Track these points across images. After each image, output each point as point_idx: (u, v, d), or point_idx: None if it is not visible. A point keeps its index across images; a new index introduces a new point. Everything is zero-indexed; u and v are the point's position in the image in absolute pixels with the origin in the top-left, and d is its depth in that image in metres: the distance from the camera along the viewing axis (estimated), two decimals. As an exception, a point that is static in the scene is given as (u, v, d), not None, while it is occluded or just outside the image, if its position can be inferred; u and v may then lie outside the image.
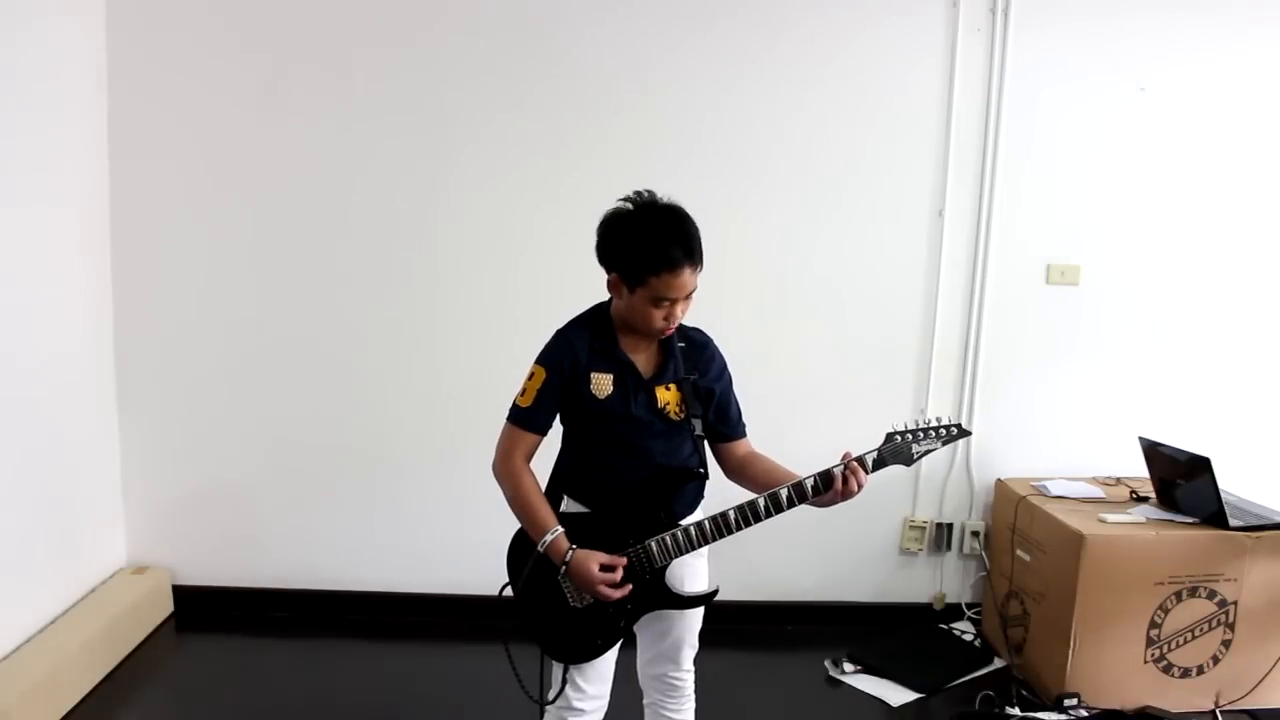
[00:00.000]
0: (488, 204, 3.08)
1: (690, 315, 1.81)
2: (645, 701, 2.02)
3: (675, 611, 1.88)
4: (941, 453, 3.20)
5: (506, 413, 1.82)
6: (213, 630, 3.14)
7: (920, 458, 1.81)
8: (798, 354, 3.18)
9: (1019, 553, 3.02)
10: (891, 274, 3.18)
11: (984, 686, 2.83)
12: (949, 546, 3.35)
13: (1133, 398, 3.25)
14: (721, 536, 1.77)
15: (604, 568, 1.74)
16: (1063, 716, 2.68)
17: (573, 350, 1.78)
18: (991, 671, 3.01)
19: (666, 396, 1.82)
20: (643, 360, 1.82)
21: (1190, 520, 2.78)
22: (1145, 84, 3.12)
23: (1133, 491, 3.04)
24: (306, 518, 3.22)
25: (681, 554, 1.79)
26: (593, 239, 1.78)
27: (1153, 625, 2.72)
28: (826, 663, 3.02)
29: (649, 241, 1.69)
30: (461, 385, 3.12)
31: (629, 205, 1.74)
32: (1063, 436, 3.28)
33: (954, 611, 3.36)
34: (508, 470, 1.80)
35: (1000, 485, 3.22)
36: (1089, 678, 2.71)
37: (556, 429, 1.88)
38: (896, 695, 2.84)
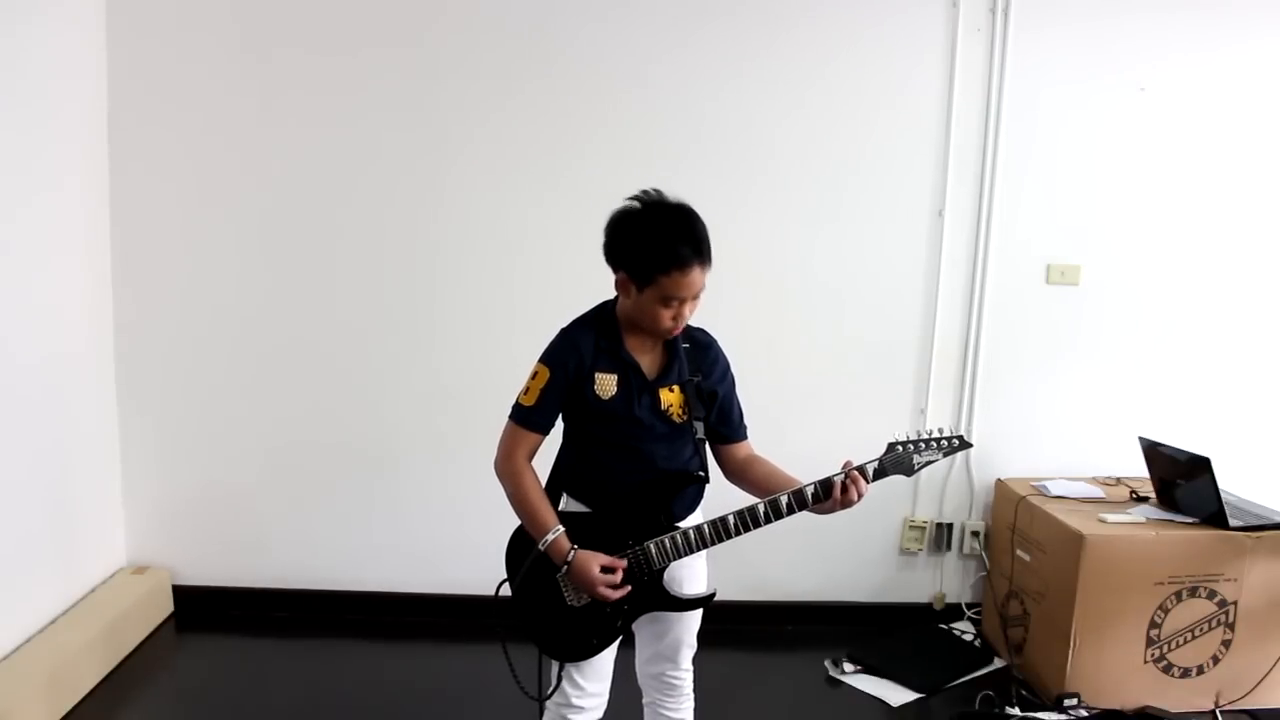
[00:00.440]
0: (486, 203, 3.08)
1: (694, 314, 1.81)
2: (644, 700, 2.03)
3: (673, 612, 1.88)
4: (941, 452, 3.27)
5: (509, 411, 1.82)
6: (213, 630, 3.14)
7: (921, 468, 1.80)
8: (797, 354, 3.18)
9: (1019, 553, 3.02)
10: (891, 274, 3.18)
11: (984, 686, 2.83)
12: (949, 546, 3.35)
13: (1133, 398, 3.25)
14: (720, 541, 1.77)
15: (604, 569, 1.74)
16: (1063, 716, 2.68)
17: (577, 350, 1.78)
18: (991, 671, 3.01)
19: (670, 398, 1.81)
20: (647, 361, 1.82)
21: (1190, 520, 2.78)
22: (1145, 84, 3.12)
23: (1133, 491, 3.04)
24: (306, 518, 3.22)
25: (680, 557, 1.79)
26: (592, 238, 1.78)
27: (1153, 625, 2.72)
28: (826, 663, 3.02)
29: (658, 241, 1.68)
30: (461, 385, 3.12)
31: (637, 204, 1.73)
32: (1063, 436, 3.28)
33: (954, 611, 3.36)
34: (509, 469, 1.80)
35: (1000, 485, 3.22)
36: (1089, 678, 2.71)
37: (557, 427, 1.87)
38: (896, 695, 2.84)
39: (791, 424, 2.96)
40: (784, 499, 1.74)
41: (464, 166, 3.06)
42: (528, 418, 1.79)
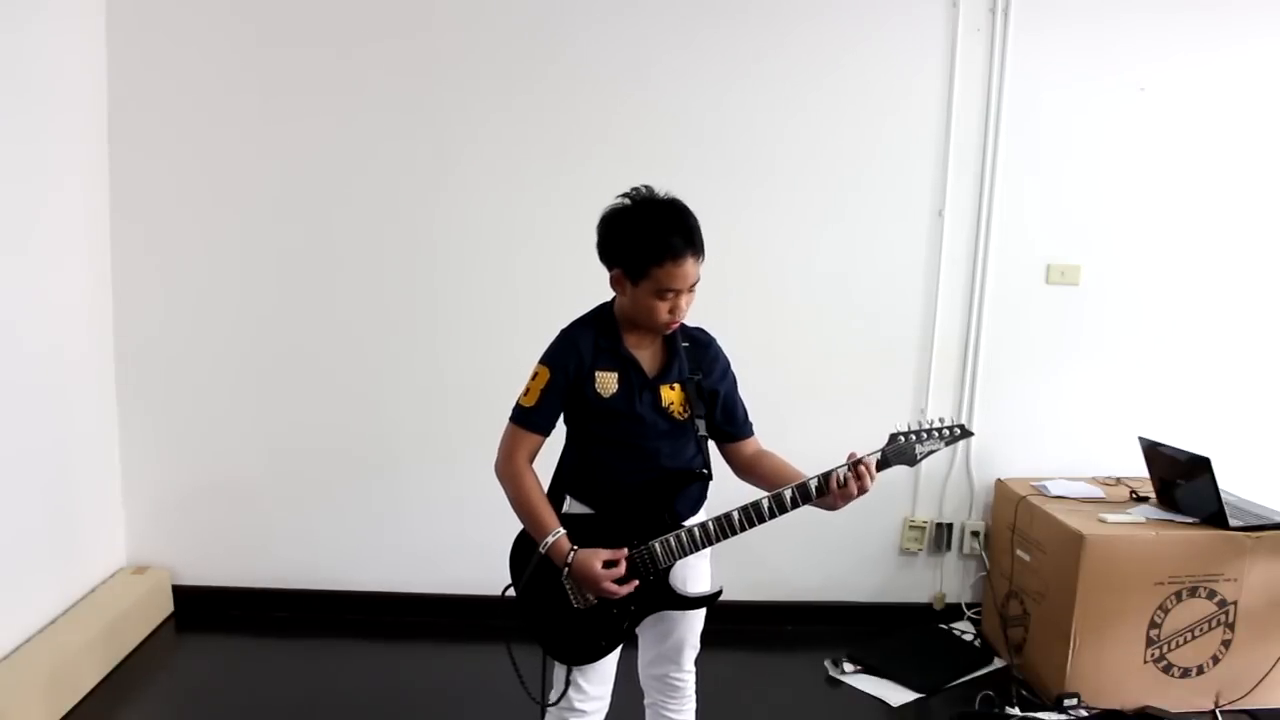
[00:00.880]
0: (488, 204, 3.08)
1: (692, 314, 1.81)
2: (646, 702, 2.02)
3: (678, 612, 1.88)
4: (942, 452, 3.21)
5: (509, 412, 1.82)
6: (213, 630, 3.14)
7: (924, 458, 1.81)
8: (797, 353, 3.18)
9: (1019, 553, 3.02)
10: (892, 274, 3.18)
11: (984, 686, 2.83)
12: (949, 546, 3.35)
13: (1133, 398, 3.25)
14: (725, 538, 1.77)
15: (607, 564, 1.74)
16: (1063, 716, 2.68)
17: (577, 349, 1.78)
18: (991, 671, 3.01)
19: (671, 396, 1.81)
20: (647, 359, 1.82)
21: (1190, 520, 2.78)
22: (1145, 84, 3.12)
23: (1133, 491, 3.04)
24: (307, 518, 3.22)
25: (685, 555, 1.79)
26: (594, 239, 1.78)
27: (1153, 625, 2.72)
28: (826, 663, 3.02)
29: (649, 233, 1.69)
30: (462, 385, 3.12)
31: (627, 201, 1.75)
32: (1063, 436, 3.28)
33: (954, 611, 3.36)
34: (510, 471, 1.80)
35: (1000, 485, 3.22)
36: (1089, 678, 2.71)
37: (559, 430, 1.87)
38: (896, 695, 2.84)
39: (791, 423, 2.93)
40: (787, 493, 1.74)
41: (466, 167, 3.06)
42: (528, 419, 1.79)
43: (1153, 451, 2.93)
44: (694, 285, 1.74)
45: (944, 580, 3.38)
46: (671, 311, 1.74)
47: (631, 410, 1.78)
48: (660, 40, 3.03)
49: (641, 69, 3.04)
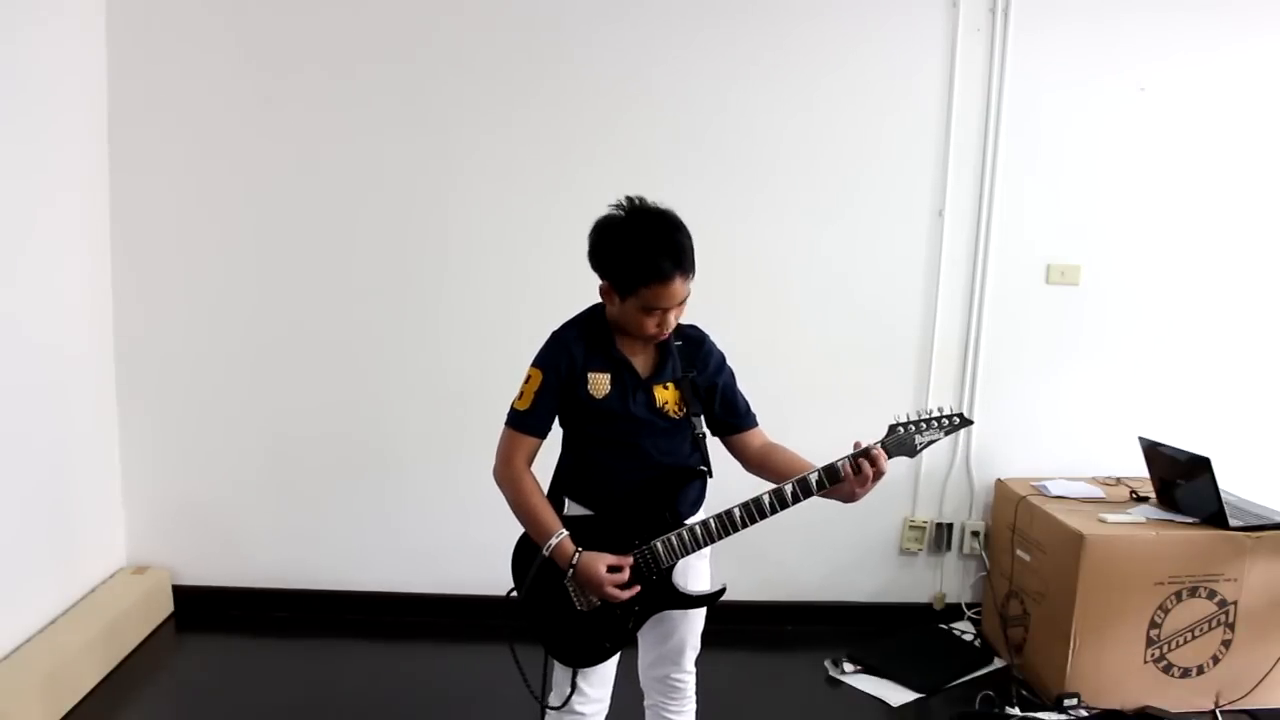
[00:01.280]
0: (491, 205, 3.08)
1: (694, 314, 1.81)
2: (646, 703, 2.02)
3: (679, 613, 1.88)
4: (942, 452, 3.28)
5: (504, 417, 1.82)
6: (213, 630, 3.14)
7: (924, 448, 1.78)
8: (797, 353, 3.18)
9: (1019, 553, 3.02)
10: (892, 273, 3.18)
11: (984, 686, 2.83)
12: (949, 546, 3.35)
13: (1133, 398, 3.25)
14: (727, 535, 1.76)
15: (611, 568, 1.73)
16: (1063, 716, 2.68)
17: (569, 351, 1.78)
18: (991, 671, 3.01)
19: (665, 395, 1.81)
20: (640, 360, 1.82)
21: (1190, 520, 2.78)
22: (1146, 84, 3.12)
23: (1133, 491, 3.04)
24: (307, 518, 3.22)
25: (688, 554, 1.78)
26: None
27: (1153, 625, 2.72)
28: (826, 663, 3.02)
29: (639, 253, 1.67)
30: (464, 385, 3.12)
31: (620, 212, 1.73)
32: (1063, 436, 3.28)
33: (954, 611, 3.36)
34: (508, 475, 1.80)
35: (1000, 485, 3.22)
36: (1089, 678, 2.71)
37: (556, 433, 1.87)
38: (896, 695, 2.84)
39: (792, 422, 2.91)
40: (788, 487, 1.73)
41: (470, 169, 3.06)
42: (523, 422, 1.79)
43: (1153, 451, 2.93)
44: (683, 301, 1.74)
45: (944, 580, 3.38)
46: (659, 326, 1.73)
47: (626, 411, 1.78)
48: (661, 42, 3.03)
49: (645, 72, 3.04)
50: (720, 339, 1.94)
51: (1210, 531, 2.71)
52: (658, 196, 1.77)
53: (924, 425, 1.77)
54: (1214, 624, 2.74)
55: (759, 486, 1.80)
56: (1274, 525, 2.74)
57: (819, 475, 1.73)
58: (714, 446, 1.90)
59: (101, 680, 2.73)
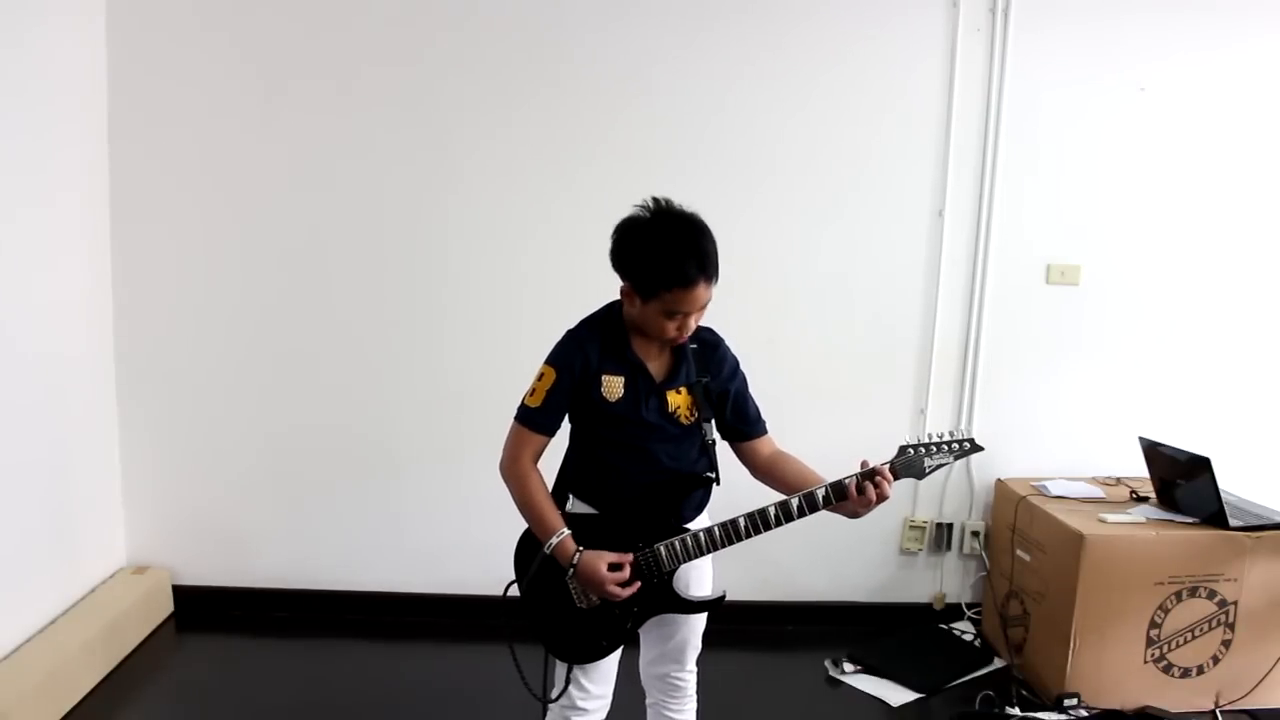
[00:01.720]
0: (492, 206, 3.08)
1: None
2: (647, 701, 2.03)
3: (681, 614, 1.88)
4: (942, 452, 3.27)
5: (514, 412, 1.81)
6: (213, 630, 3.14)
7: (932, 471, 1.77)
8: (797, 354, 3.18)
9: (1019, 553, 3.02)
10: (892, 274, 3.18)
11: (984, 686, 2.83)
12: (949, 546, 3.35)
13: (1133, 398, 3.25)
14: (731, 543, 1.75)
15: (612, 567, 1.73)
16: (1063, 716, 2.68)
17: (584, 351, 1.77)
18: (991, 671, 3.01)
19: (677, 400, 1.80)
20: (655, 363, 1.81)
21: (1190, 520, 2.78)
22: (1146, 84, 3.12)
23: (1133, 491, 3.04)
24: (307, 518, 3.22)
25: (690, 559, 1.78)
26: (598, 239, 1.77)
27: (1153, 625, 2.72)
28: (826, 663, 3.02)
29: (664, 256, 1.66)
30: (463, 385, 3.12)
31: (646, 214, 1.71)
32: (1063, 436, 3.28)
33: (954, 611, 3.36)
34: (515, 471, 1.79)
35: (1000, 485, 3.23)
36: (1089, 678, 2.71)
37: (562, 429, 1.87)
38: (896, 695, 2.84)
39: (792, 422, 2.91)
40: (794, 501, 1.72)
41: (470, 169, 3.06)
42: (533, 419, 1.79)
43: (1153, 451, 2.93)
44: (704, 306, 1.73)
45: (944, 580, 3.38)
46: (679, 329, 1.72)
47: (638, 415, 1.77)
48: (660, 42, 3.03)
49: (644, 72, 3.04)
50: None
51: (1210, 531, 2.71)
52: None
53: (934, 449, 1.76)
54: (1214, 624, 2.75)
55: (767, 492, 1.80)
56: (1274, 525, 2.74)
57: (826, 491, 1.72)
58: (723, 451, 1.88)
59: (101, 680, 2.73)
